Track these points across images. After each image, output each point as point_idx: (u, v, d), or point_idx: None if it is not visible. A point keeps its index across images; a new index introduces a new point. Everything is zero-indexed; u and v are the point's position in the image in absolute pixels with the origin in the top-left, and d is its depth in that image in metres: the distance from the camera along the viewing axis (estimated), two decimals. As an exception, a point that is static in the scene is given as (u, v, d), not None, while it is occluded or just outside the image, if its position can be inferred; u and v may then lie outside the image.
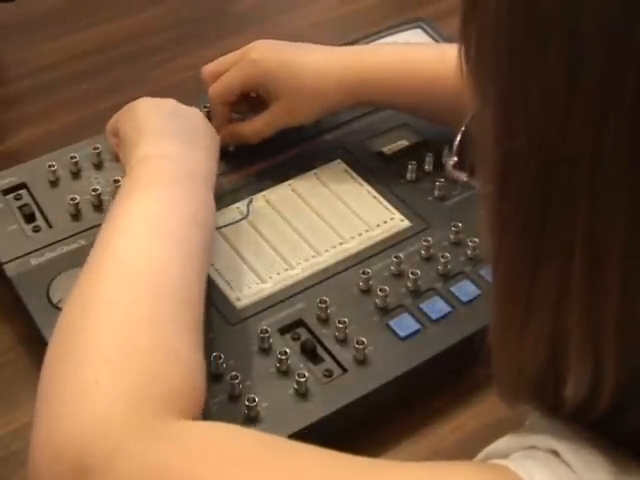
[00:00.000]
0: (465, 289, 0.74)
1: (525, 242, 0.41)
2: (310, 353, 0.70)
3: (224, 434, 0.53)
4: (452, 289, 0.74)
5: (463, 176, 0.58)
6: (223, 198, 0.81)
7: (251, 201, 0.81)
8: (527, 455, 0.44)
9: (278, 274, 0.76)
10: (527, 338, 0.43)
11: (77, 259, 0.70)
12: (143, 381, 0.56)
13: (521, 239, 0.41)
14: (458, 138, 0.49)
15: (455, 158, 0.56)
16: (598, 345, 0.41)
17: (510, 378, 0.46)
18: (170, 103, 0.77)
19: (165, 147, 0.71)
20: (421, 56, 0.83)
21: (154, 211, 0.65)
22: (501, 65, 0.40)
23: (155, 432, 0.53)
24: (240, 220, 0.78)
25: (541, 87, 0.38)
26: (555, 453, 0.43)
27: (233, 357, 0.69)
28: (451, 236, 0.78)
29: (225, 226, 0.78)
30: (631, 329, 0.40)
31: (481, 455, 0.47)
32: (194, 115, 0.78)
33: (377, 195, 0.82)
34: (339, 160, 0.86)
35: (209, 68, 0.85)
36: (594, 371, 0.42)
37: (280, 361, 0.68)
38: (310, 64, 0.82)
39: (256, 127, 0.84)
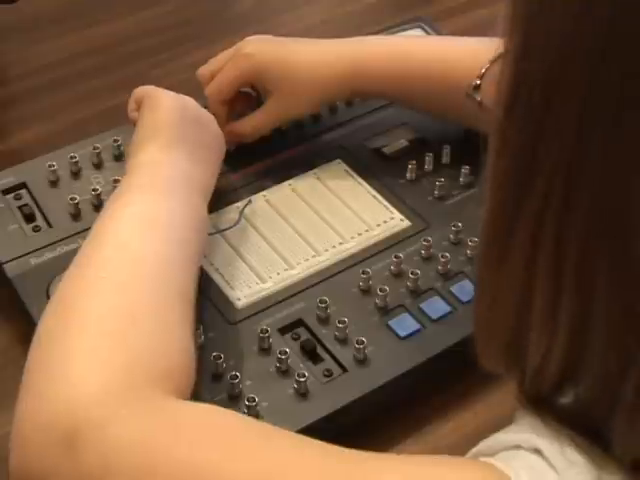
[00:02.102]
0: (465, 289, 0.74)
1: (518, 164, 0.44)
2: (310, 353, 0.70)
3: (215, 416, 0.54)
4: (452, 289, 0.74)
5: (478, 97, 0.72)
6: (223, 198, 0.81)
7: (247, 204, 0.81)
8: (513, 455, 0.45)
9: (278, 274, 0.76)
10: (501, 288, 0.46)
11: (77, 259, 0.70)
12: (142, 356, 0.56)
13: (515, 160, 0.44)
14: (487, 65, 0.56)
15: (478, 81, 0.70)
16: (556, 311, 0.43)
17: (487, 338, 0.49)
18: (193, 107, 0.76)
19: (172, 158, 0.71)
20: (412, 45, 0.85)
21: (151, 210, 0.65)
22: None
23: (149, 406, 0.53)
24: (230, 228, 0.78)
25: (554, 26, 0.41)
26: (538, 452, 0.45)
27: (233, 357, 0.69)
28: (451, 236, 0.78)
29: (218, 232, 0.77)
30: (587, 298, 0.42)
31: (469, 454, 0.48)
32: (210, 124, 0.77)
33: (377, 195, 0.82)
34: (339, 160, 0.86)
35: (204, 70, 0.85)
36: (549, 336, 0.44)
37: (280, 361, 0.68)
38: (304, 56, 0.82)
39: (254, 123, 0.84)
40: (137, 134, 0.74)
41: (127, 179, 0.69)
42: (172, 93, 0.77)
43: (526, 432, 0.46)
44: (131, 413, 0.52)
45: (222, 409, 0.55)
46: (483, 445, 0.48)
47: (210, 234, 0.76)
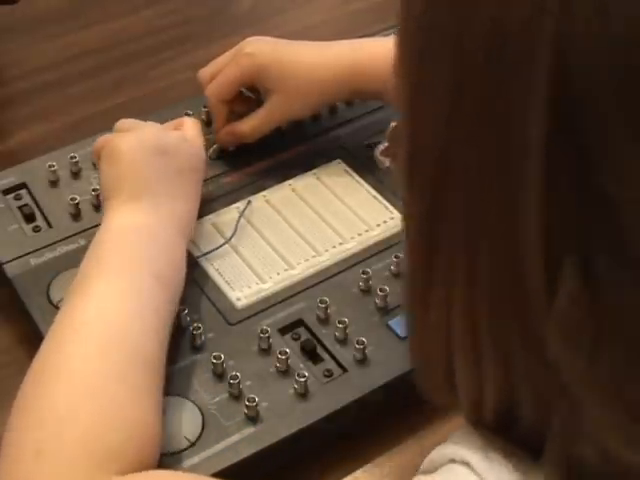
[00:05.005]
0: (465, 289, 0.74)
1: (424, 229, 0.44)
2: (310, 353, 0.70)
3: None
4: (452, 289, 0.74)
5: (387, 162, 0.66)
6: (223, 198, 0.81)
7: (245, 208, 0.81)
8: (448, 469, 0.46)
9: (278, 274, 0.76)
10: (428, 332, 0.47)
11: (77, 259, 0.70)
12: (85, 443, 0.56)
13: (420, 226, 0.45)
14: (392, 125, 0.51)
15: (385, 144, 0.61)
16: (479, 363, 0.44)
17: (423, 373, 0.49)
18: (154, 139, 0.74)
19: (141, 215, 0.69)
20: None
21: (115, 297, 0.64)
22: (408, 71, 0.44)
23: None
24: (223, 244, 0.77)
25: (431, 98, 0.42)
26: (468, 465, 0.45)
27: (233, 357, 0.69)
28: (451, 236, 0.78)
29: (209, 252, 0.77)
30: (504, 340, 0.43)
31: (422, 468, 0.49)
32: (181, 147, 0.75)
33: (377, 195, 0.82)
34: (339, 160, 0.86)
35: (204, 71, 0.85)
36: (478, 380, 0.45)
37: (280, 361, 0.68)
38: (304, 57, 0.83)
39: (254, 123, 0.84)
40: (101, 190, 0.74)
41: (95, 252, 0.68)
42: (129, 135, 0.74)
43: (457, 444, 0.47)
44: None
45: (160, 475, 0.58)
46: (427, 461, 0.49)
47: (202, 255, 0.76)
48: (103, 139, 0.76)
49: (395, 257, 0.76)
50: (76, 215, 0.79)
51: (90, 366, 0.60)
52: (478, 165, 0.40)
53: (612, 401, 0.41)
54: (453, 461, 0.46)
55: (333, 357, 0.70)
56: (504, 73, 0.38)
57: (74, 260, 0.73)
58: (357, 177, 0.84)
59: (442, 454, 0.47)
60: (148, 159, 0.72)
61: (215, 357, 0.68)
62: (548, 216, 0.39)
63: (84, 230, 0.78)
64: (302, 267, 0.76)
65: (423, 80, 0.42)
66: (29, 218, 0.79)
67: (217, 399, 0.66)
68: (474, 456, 0.46)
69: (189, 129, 0.79)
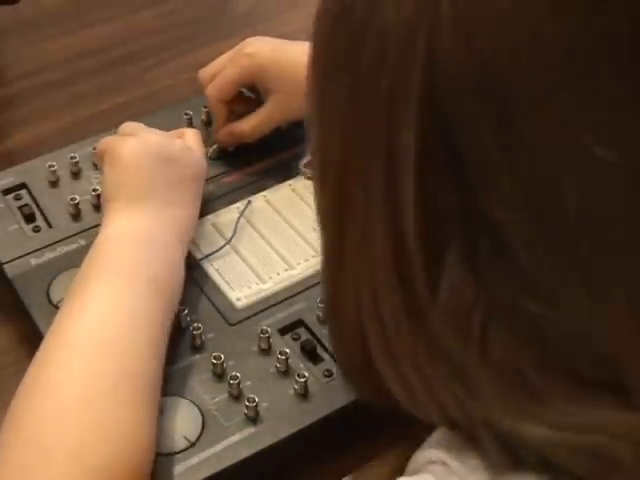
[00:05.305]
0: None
1: (334, 226, 0.50)
2: (310, 353, 0.70)
3: None
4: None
5: (308, 173, 0.74)
6: (223, 198, 0.81)
7: (244, 209, 0.81)
8: (428, 470, 0.48)
9: (278, 274, 0.76)
10: (345, 321, 0.51)
11: (77, 259, 0.70)
12: (72, 457, 0.56)
13: (332, 223, 0.50)
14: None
15: (309, 157, 0.69)
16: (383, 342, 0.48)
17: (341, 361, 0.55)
18: (157, 145, 0.74)
19: (142, 220, 0.70)
20: None
21: (110, 305, 0.64)
22: (314, 90, 0.48)
23: None
24: (224, 246, 0.77)
25: (331, 114, 0.47)
26: (444, 464, 0.47)
27: (233, 357, 0.69)
28: (451, 236, 0.78)
29: (210, 255, 0.77)
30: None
31: (406, 470, 0.50)
32: (183, 155, 0.75)
33: (377, 195, 0.82)
34: (339, 160, 0.86)
35: (205, 71, 0.85)
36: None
37: (280, 361, 0.68)
38: (303, 57, 0.82)
39: (254, 123, 0.84)
40: (102, 192, 0.74)
41: (94, 256, 0.68)
42: (134, 140, 0.74)
43: (434, 446, 0.49)
44: None
45: None
46: (411, 463, 0.50)
47: (204, 257, 0.76)
48: (106, 141, 0.76)
49: (395, 257, 0.75)
50: (76, 215, 0.79)
51: (80, 380, 0.60)
52: (371, 172, 0.45)
53: (508, 379, 0.44)
54: (432, 462, 0.48)
55: (333, 357, 0.70)
56: (385, 92, 0.43)
57: (74, 260, 0.73)
58: (357, 177, 0.84)
59: (423, 456, 0.49)
60: (152, 165, 0.72)
61: (215, 357, 0.68)
62: (425, 214, 0.44)
63: (84, 230, 0.78)
64: (302, 267, 0.76)
65: (325, 102, 0.47)
66: (29, 218, 0.79)
67: (217, 399, 0.66)
68: (449, 455, 0.47)
69: (190, 139, 0.79)
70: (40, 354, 0.62)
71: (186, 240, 0.73)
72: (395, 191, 0.44)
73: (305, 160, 0.81)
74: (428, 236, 0.44)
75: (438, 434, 0.50)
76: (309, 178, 0.79)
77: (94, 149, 0.83)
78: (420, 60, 0.41)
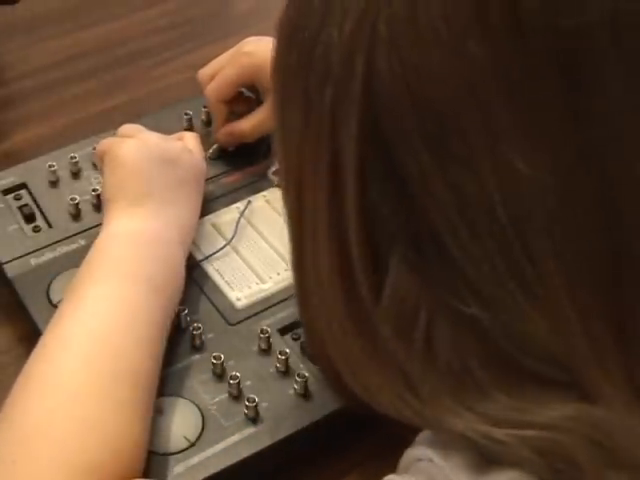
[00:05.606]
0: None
1: (296, 220, 0.54)
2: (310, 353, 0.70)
3: None
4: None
5: (277, 180, 0.79)
6: (223, 198, 0.81)
7: (244, 209, 0.81)
8: (417, 468, 0.49)
9: (278, 274, 0.76)
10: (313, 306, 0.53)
11: (77, 259, 0.70)
12: (61, 454, 0.56)
13: (295, 217, 0.54)
14: None
15: (277, 165, 0.70)
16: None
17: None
18: (158, 147, 0.74)
19: (142, 221, 0.70)
20: None
21: (110, 305, 0.64)
22: (274, 98, 0.51)
23: None
24: (224, 246, 0.77)
25: (290, 122, 0.50)
26: (431, 461, 0.48)
27: (233, 357, 0.69)
28: (451, 236, 0.78)
29: (210, 256, 0.77)
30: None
31: (398, 468, 0.51)
32: (183, 157, 0.75)
33: (377, 195, 0.82)
34: (339, 160, 0.86)
35: (204, 71, 0.85)
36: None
37: (280, 361, 0.68)
38: None
39: (254, 123, 0.84)
40: (102, 193, 0.74)
41: (94, 255, 0.68)
42: (134, 141, 0.74)
43: (422, 444, 0.50)
44: None
45: None
46: (402, 461, 0.51)
47: (205, 258, 0.76)
48: (106, 143, 0.76)
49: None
50: (76, 215, 0.79)
51: (74, 379, 0.60)
52: (318, 179, 0.48)
53: (454, 377, 0.46)
54: (420, 459, 0.49)
55: (333, 357, 0.70)
56: (329, 105, 0.46)
57: (74, 260, 0.73)
58: (357, 177, 0.84)
59: (413, 453, 0.50)
60: (152, 167, 0.73)
61: (215, 357, 0.68)
62: (367, 220, 0.47)
63: (84, 230, 0.78)
64: (302, 267, 0.76)
65: (284, 110, 0.50)
66: (29, 218, 0.79)
67: (217, 399, 0.66)
68: (435, 453, 0.48)
69: (190, 141, 0.79)
70: (36, 351, 0.62)
71: (187, 241, 0.73)
72: (339, 198, 0.47)
73: (274, 168, 0.83)
74: (371, 242, 0.47)
75: (426, 431, 0.51)
76: (278, 186, 0.81)
77: (94, 149, 0.83)
78: (359, 77, 0.44)
